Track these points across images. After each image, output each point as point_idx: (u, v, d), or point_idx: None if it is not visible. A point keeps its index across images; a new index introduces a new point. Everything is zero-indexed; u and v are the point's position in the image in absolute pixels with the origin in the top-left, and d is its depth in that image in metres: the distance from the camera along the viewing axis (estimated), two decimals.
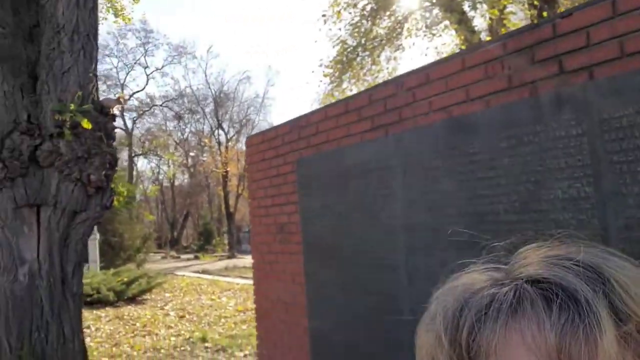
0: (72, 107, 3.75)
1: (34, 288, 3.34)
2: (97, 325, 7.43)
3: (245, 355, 5.67)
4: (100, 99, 4.29)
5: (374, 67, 15.65)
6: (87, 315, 8.36)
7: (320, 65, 17.54)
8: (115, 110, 4.24)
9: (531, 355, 0.41)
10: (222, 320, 7.90)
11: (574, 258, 0.46)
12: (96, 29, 4.30)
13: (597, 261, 0.45)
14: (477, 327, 0.44)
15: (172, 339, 6.65)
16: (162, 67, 42.68)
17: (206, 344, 6.24)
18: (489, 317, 0.44)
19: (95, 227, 12.25)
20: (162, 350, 6.03)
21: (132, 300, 9.92)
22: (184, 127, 41.47)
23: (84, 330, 7.09)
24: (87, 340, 6.53)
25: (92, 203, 3.75)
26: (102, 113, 4.09)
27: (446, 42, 12.88)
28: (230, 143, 36.89)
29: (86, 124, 3.74)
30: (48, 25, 3.98)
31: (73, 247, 3.61)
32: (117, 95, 4.38)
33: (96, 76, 4.22)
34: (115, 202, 4.01)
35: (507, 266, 0.50)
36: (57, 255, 3.50)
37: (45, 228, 3.51)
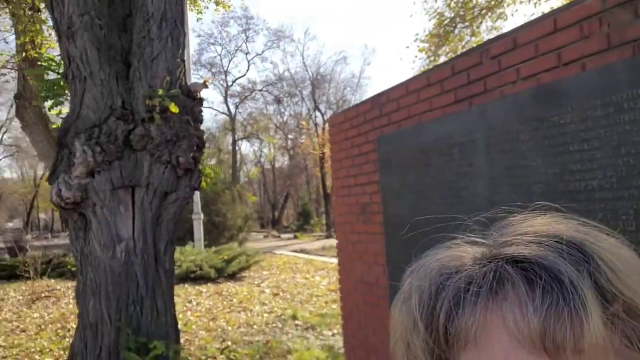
0: (161, 92, 3.91)
1: (130, 264, 3.56)
2: (198, 300, 7.87)
3: (333, 334, 5.70)
4: (188, 83, 4.45)
5: (473, 38, 14.87)
6: (190, 290, 8.91)
7: (416, 40, 16.99)
8: (201, 94, 4.37)
9: (513, 340, 0.39)
10: (314, 298, 8.03)
11: (556, 235, 0.42)
12: (183, 15, 4.43)
13: (579, 237, 0.42)
14: (454, 311, 0.42)
15: (265, 315, 6.88)
16: (262, 52, 43.96)
17: (296, 322, 6.37)
18: (468, 300, 0.42)
19: (200, 207, 13.00)
20: (255, 326, 6.25)
21: (232, 277, 10.39)
22: (283, 110, 42.56)
23: (187, 304, 7.57)
24: (188, 313, 6.95)
25: (181, 184, 3.91)
26: (190, 97, 4.23)
27: (554, 6, 11.88)
28: (326, 125, 37.24)
29: (174, 108, 3.88)
30: (139, 14, 4.16)
31: (165, 226, 3.79)
32: (202, 80, 4.50)
33: (184, 61, 4.37)
34: (203, 184, 4.15)
35: (485, 243, 0.46)
36: (150, 233, 3.70)
37: (139, 208, 3.71)
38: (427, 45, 16.76)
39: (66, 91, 4.35)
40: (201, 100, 4.34)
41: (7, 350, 5.22)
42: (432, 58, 16.13)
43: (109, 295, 3.48)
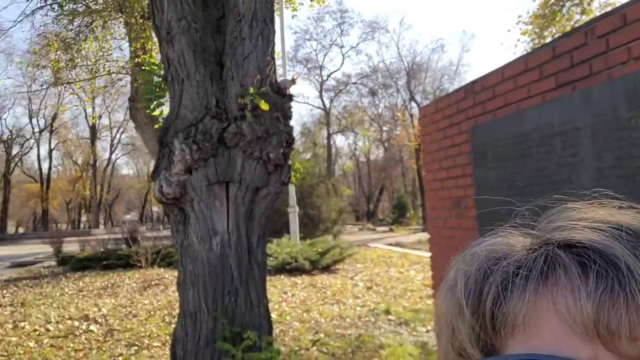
0: (252, 90, 4.01)
1: (225, 256, 3.70)
2: (292, 292, 8.06)
3: (427, 331, 5.55)
4: (282, 79, 4.53)
5: (583, 17, 13.79)
6: (286, 281, 9.14)
7: (518, 23, 16.05)
8: (294, 90, 4.43)
9: (565, 326, 0.38)
10: (408, 293, 7.89)
11: (611, 221, 0.41)
12: (272, 13, 4.51)
13: (637, 224, 0.41)
14: (503, 295, 0.41)
15: (358, 308, 6.87)
16: (357, 44, 43.94)
17: (389, 317, 6.28)
18: (517, 284, 0.41)
19: (295, 201, 13.31)
20: (347, 319, 6.26)
21: (326, 269, 10.52)
22: (378, 102, 42.32)
23: (282, 295, 7.78)
24: (283, 304, 7.14)
25: (272, 179, 3.99)
26: (279, 94, 4.30)
27: None
28: None
29: (264, 105, 3.97)
30: (231, 16, 4.30)
31: (257, 220, 3.90)
32: (292, 76, 4.55)
33: (274, 59, 4.45)
34: (293, 179, 4.20)
35: (535, 231, 0.45)
36: (244, 227, 3.82)
37: (233, 203, 3.85)
38: (530, 27, 15.77)
39: (166, 93, 4.61)
40: (290, 96, 4.40)
41: (121, 334, 5.70)
42: (536, 41, 15.18)
43: (206, 286, 3.64)
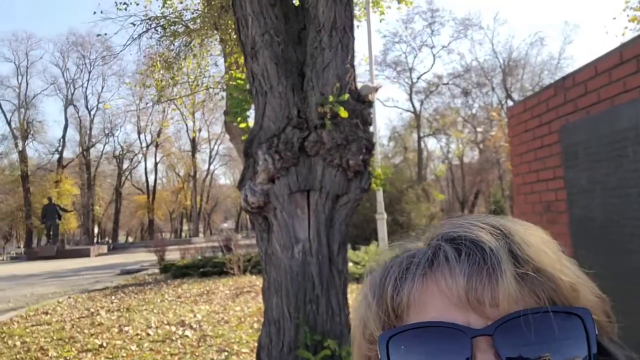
0: (331, 98, 4.05)
1: (306, 264, 3.75)
2: None
3: None
4: (359, 87, 4.53)
5: None
6: None
7: (625, 10, 14.81)
8: (372, 97, 4.41)
9: (444, 299, 0.46)
10: None
11: (482, 221, 0.51)
12: (352, 21, 4.52)
13: (499, 221, 0.51)
14: (399, 282, 0.49)
15: None
16: (448, 44, 42.76)
17: None
18: (410, 272, 0.49)
19: (384, 207, 13.18)
20: None
21: None
22: (471, 102, 40.94)
23: None
24: None
25: (352, 186, 3.99)
26: (359, 101, 4.30)
27: None
28: None
29: (343, 113, 3.99)
30: (311, 27, 4.37)
31: (337, 228, 3.92)
32: (374, 84, 4.54)
33: (353, 66, 4.46)
34: (373, 185, 4.18)
35: (427, 235, 0.54)
36: (324, 235, 3.85)
37: (314, 211, 3.89)
38: (639, 13, 14.50)
39: (251, 106, 4.79)
40: (370, 103, 4.38)
41: (213, 340, 5.95)
42: None
43: (289, 293, 3.71)
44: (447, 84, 40.22)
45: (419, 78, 40.27)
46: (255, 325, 6.40)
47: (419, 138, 40.11)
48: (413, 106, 40.10)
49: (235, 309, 7.76)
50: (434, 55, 39.72)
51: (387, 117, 49.42)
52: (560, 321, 0.44)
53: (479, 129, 40.75)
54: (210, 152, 48.76)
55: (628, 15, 14.45)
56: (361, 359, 0.53)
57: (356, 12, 11.86)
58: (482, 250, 0.47)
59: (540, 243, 0.49)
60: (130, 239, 55.42)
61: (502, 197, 35.69)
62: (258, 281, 10.28)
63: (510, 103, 35.69)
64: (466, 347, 0.43)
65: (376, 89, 4.48)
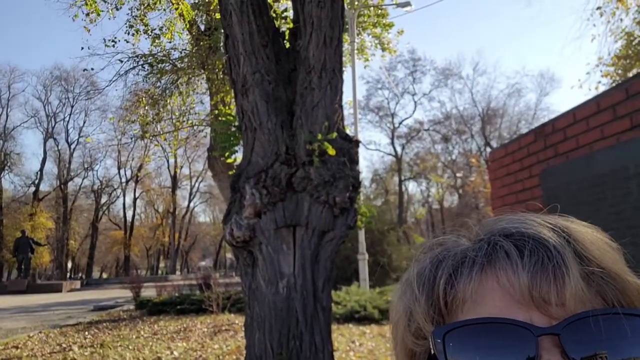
0: (320, 137, 4.15)
1: (290, 300, 3.74)
2: (360, 341, 7.88)
3: None
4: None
5: None
6: (354, 330, 8.97)
7: (598, 65, 15.49)
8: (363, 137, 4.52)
9: (505, 295, 0.45)
10: None
11: (537, 219, 0.51)
12: (341, 64, 4.68)
13: (556, 219, 0.51)
14: (454, 276, 0.48)
15: None
16: (429, 91, 43.93)
17: None
18: (465, 266, 0.48)
19: (365, 247, 13.20)
20: None
21: None
22: (451, 148, 41.78)
23: (350, 344, 7.63)
24: (351, 354, 6.99)
25: (338, 223, 4.04)
26: (347, 140, 4.41)
27: None
28: None
29: (331, 151, 4.08)
30: (302, 67, 4.51)
31: (323, 264, 3.93)
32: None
33: (341, 106, 4.58)
34: (359, 222, 4.23)
35: (475, 232, 0.53)
36: (310, 271, 3.86)
37: (299, 246, 3.91)
38: (612, 69, 15.17)
39: (240, 141, 4.86)
40: (357, 142, 4.49)
41: None
42: (619, 81, 14.55)
43: (272, 329, 3.68)
44: (428, 130, 41.10)
45: (400, 123, 41.11)
46: None
47: (400, 181, 40.60)
48: (395, 150, 40.76)
49: (213, 346, 7.58)
50: (415, 102, 40.78)
51: (369, 159, 49.90)
52: (629, 323, 0.43)
53: (458, 175, 41.48)
54: (191, 189, 48.46)
55: (601, 71, 15.11)
56: (404, 352, 0.52)
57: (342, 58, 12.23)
58: (545, 247, 0.46)
59: (601, 243, 0.49)
60: (105, 275, 53.99)
61: None
62: (237, 319, 10.09)
63: (489, 150, 36.51)
64: (530, 346, 0.43)
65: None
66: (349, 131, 6.82)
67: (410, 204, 44.83)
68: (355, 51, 14.67)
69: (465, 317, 0.46)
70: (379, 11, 14.12)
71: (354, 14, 13.93)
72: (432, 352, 0.47)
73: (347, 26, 13.07)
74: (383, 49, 14.86)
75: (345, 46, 13.26)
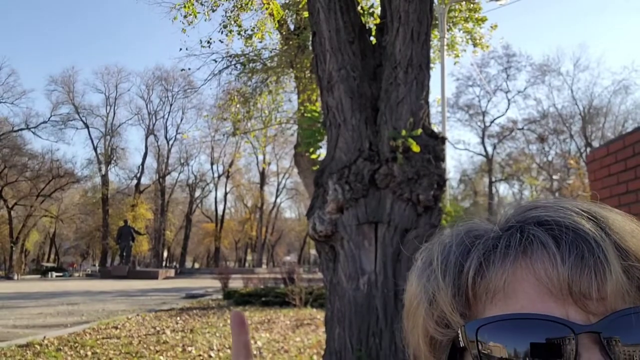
0: (404, 133, 4.08)
1: (371, 297, 3.72)
2: None
3: None
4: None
5: None
6: None
7: None
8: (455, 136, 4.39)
9: (540, 288, 0.43)
10: None
11: (572, 205, 0.48)
12: (428, 59, 4.57)
13: (593, 208, 0.48)
14: (485, 264, 0.45)
15: None
16: (525, 89, 41.60)
17: None
18: (498, 255, 0.45)
19: None
20: None
21: None
22: (547, 149, 39.50)
23: None
24: None
25: (421, 221, 3.95)
26: (432, 136, 4.30)
27: None
28: None
29: (415, 147, 3.99)
30: (387, 63, 4.46)
31: (405, 263, 3.87)
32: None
33: (427, 103, 4.48)
34: (443, 221, 4.11)
35: (504, 216, 0.50)
36: (391, 269, 3.81)
37: (381, 243, 3.88)
38: None
39: (324, 137, 4.90)
40: (443, 139, 4.36)
41: None
42: None
43: (352, 324, 3.68)
44: (522, 129, 39.13)
45: (492, 122, 39.51)
46: (315, 358, 6.34)
47: (490, 183, 39.04)
48: (485, 150, 39.25)
49: (295, 339, 7.74)
50: (508, 100, 38.95)
51: (458, 159, 48.42)
52: None
53: (555, 177, 39.09)
54: (278, 185, 49.83)
55: None
56: (424, 337, 0.49)
57: (431, 54, 11.94)
58: (584, 239, 0.43)
59: (634, 232, 0.46)
60: (197, 265, 57.04)
61: None
62: (319, 314, 10.21)
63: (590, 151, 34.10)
64: (570, 343, 0.41)
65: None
66: (436, 129, 6.67)
67: (500, 207, 42.90)
68: (445, 47, 14.26)
69: (495, 309, 0.44)
70: (471, 5, 13.62)
71: (445, 9, 13.54)
72: (462, 344, 0.45)
73: (436, 21, 12.74)
74: (475, 45, 14.30)
75: (435, 42, 12.94)
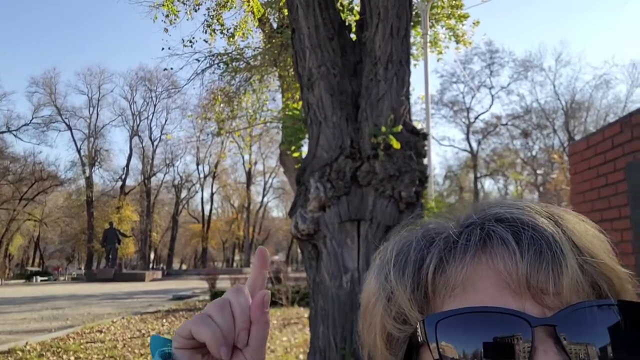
0: (384, 129, 4.06)
1: (354, 294, 3.70)
2: None
3: None
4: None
5: None
6: None
7: None
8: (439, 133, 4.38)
9: (499, 282, 0.44)
10: None
11: (529, 204, 0.49)
12: (408, 55, 4.56)
13: (549, 207, 0.50)
14: (445, 260, 0.46)
15: None
16: (508, 85, 41.88)
17: None
18: (458, 251, 0.46)
19: None
20: None
21: None
22: (531, 144, 39.85)
23: None
24: None
25: (403, 218, 3.93)
26: (413, 133, 4.29)
27: None
28: None
29: (396, 144, 3.98)
30: (368, 59, 4.44)
31: None
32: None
33: (408, 99, 4.46)
34: (425, 218, 4.09)
35: (463, 214, 0.51)
36: None
37: (364, 240, 3.86)
38: None
39: (306, 135, 4.87)
40: (424, 135, 4.35)
41: None
42: None
43: (336, 322, 3.65)
44: (506, 124, 39.44)
45: (476, 118, 39.76)
46: (301, 357, 6.32)
47: (476, 178, 39.32)
48: (470, 146, 39.49)
49: (282, 338, 7.71)
50: (492, 96, 39.21)
51: (443, 155, 48.57)
52: (620, 314, 0.43)
53: (539, 172, 39.53)
54: (265, 184, 49.68)
55: None
56: (382, 335, 0.50)
57: (414, 51, 11.93)
58: (543, 236, 0.45)
59: (592, 233, 0.48)
60: (184, 266, 56.69)
61: None
62: (306, 313, 10.19)
63: None
64: (526, 336, 0.42)
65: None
66: (421, 126, 6.65)
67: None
68: (428, 44, 14.29)
69: (454, 304, 0.45)
70: (454, 2, 13.68)
71: (427, 6, 13.57)
72: (420, 339, 0.45)
73: (419, 18, 12.77)
74: (457, 41, 14.36)
75: (418, 39, 12.96)
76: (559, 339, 0.42)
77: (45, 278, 32.59)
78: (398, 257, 0.49)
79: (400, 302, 0.47)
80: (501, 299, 0.43)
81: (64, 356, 6.59)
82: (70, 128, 42.57)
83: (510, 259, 0.44)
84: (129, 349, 7.07)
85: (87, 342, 7.68)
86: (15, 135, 38.67)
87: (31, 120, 39.67)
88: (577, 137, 35.19)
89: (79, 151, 42.95)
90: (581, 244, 0.46)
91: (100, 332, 8.67)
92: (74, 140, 42.79)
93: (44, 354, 6.72)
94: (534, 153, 39.88)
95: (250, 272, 0.53)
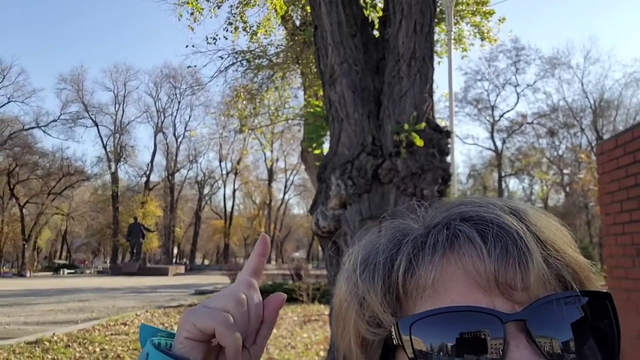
0: (407, 127, 4.02)
1: None
2: None
3: None
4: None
5: None
6: None
7: None
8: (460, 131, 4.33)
9: (469, 281, 0.44)
10: None
11: (493, 201, 0.50)
12: (432, 52, 4.51)
13: (511, 202, 0.51)
14: (415, 262, 0.46)
15: None
16: (534, 82, 41.16)
17: None
18: (426, 252, 0.46)
19: None
20: None
21: None
22: (558, 143, 39.16)
23: None
24: None
25: None
26: (437, 130, 4.24)
27: None
28: None
29: (419, 142, 3.94)
30: (390, 56, 4.40)
31: None
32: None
33: (431, 96, 4.41)
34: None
35: (429, 214, 0.51)
36: None
37: None
38: None
39: (327, 132, 4.85)
40: (448, 132, 4.30)
41: None
42: None
43: None
44: (532, 123, 38.82)
45: (501, 116, 39.23)
46: (322, 353, 6.33)
47: (500, 177, 38.78)
48: (494, 144, 38.98)
49: (302, 335, 7.73)
50: (517, 94, 38.65)
51: (467, 154, 48.08)
52: (586, 304, 0.45)
53: (565, 171, 38.77)
54: (286, 181, 49.84)
55: None
56: (356, 339, 0.49)
57: (438, 48, 11.79)
58: (508, 232, 0.45)
59: (555, 226, 0.49)
60: (207, 262, 57.30)
61: (590, 243, 33.33)
62: (326, 310, 10.22)
63: None
64: (498, 332, 0.43)
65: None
66: (445, 124, 6.57)
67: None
68: (453, 41, 14.12)
69: (425, 305, 0.45)
70: None
71: (452, 2, 13.40)
72: (395, 342, 0.46)
73: (444, 15, 12.61)
74: (482, 38, 14.17)
75: (442, 36, 12.82)
76: (530, 333, 0.42)
77: (72, 271, 33.33)
78: (367, 261, 0.49)
79: (372, 307, 0.47)
80: (472, 298, 0.44)
81: (90, 347, 6.72)
82: (96, 124, 43.44)
83: (478, 257, 0.44)
84: None
85: (112, 334, 7.82)
86: (44, 131, 39.64)
87: (59, 117, 40.62)
88: (606, 136, 34.40)
89: (105, 147, 43.80)
90: (545, 237, 0.47)
91: (125, 324, 8.83)
92: (100, 136, 43.66)
93: (71, 344, 6.87)
94: (560, 152, 39.20)
95: (250, 257, 0.52)
